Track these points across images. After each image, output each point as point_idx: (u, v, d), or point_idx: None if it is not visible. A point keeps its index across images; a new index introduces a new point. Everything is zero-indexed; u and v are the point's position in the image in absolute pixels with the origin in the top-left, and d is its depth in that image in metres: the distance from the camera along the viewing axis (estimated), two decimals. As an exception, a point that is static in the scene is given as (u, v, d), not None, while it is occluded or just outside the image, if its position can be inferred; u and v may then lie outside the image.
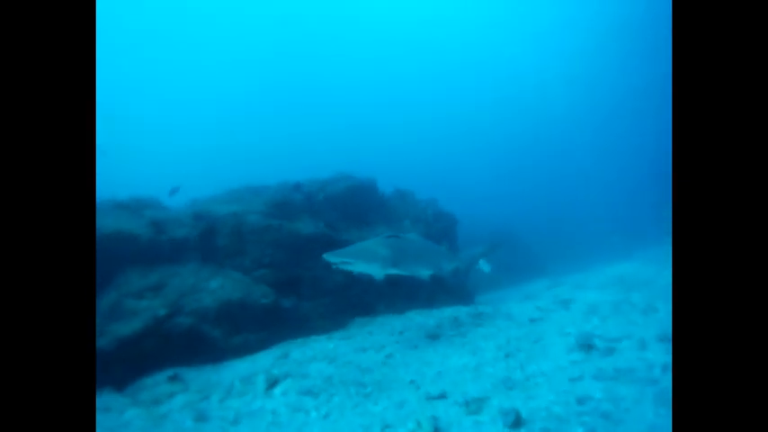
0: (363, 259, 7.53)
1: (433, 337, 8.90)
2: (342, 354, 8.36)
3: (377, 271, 7.92)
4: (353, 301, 10.16)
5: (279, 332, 8.92)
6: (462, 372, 7.02)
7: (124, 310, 8.30)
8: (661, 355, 6.32)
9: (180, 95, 65.45)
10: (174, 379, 7.74)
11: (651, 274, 12.74)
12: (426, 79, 64.09)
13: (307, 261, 10.09)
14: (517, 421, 5.10)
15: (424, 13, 57.33)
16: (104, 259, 8.88)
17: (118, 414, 6.91)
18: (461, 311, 10.67)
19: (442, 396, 6.09)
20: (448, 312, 10.65)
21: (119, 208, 10.19)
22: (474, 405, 5.68)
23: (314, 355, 8.39)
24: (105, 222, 9.22)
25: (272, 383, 7.34)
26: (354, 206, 12.63)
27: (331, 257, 7.13)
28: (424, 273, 8.67)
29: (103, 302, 8.50)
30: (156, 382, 7.72)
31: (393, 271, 7.89)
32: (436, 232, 13.06)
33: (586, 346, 7.09)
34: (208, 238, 9.99)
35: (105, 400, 7.44)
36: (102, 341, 7.99)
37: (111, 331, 8.03)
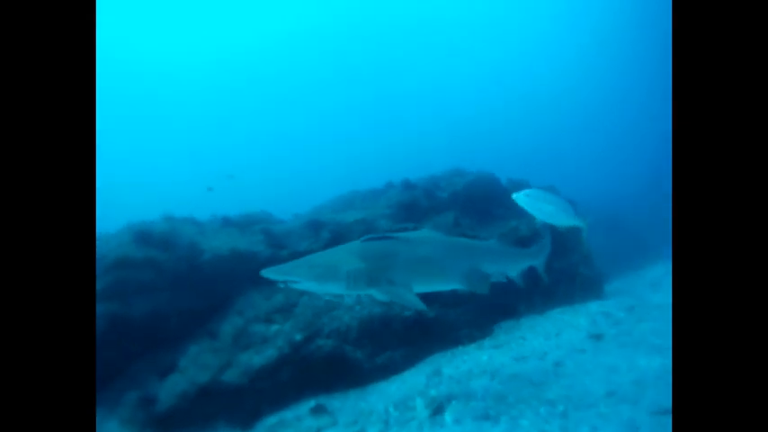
0: (316, 278, 5.26)
1: (597, 337, 7.76)
2: (500, 365, 7.24)
3: (343, 292, 5.61)
4: (494, 304, 8.97)
5: (424, 346, 7.77)
6: (666, 376, 5.81)
7: (252, 337, 7.35)
8: None
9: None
10: (318, 411, 6.74)
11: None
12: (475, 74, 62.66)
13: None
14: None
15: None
16: (221, 281, 8.00)
17: (259, 457, 5.99)
18: (608, 306, 9.53)
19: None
20: (594, 308, 9.49)
21: (227, 225, 9.37)
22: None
23: (469, 369, 7.27)
24: (216, 243, 8.40)
25: (437, 408, 6.23)
26: (480, 201, 11.35)
27: (272, 274, 5.10)
28: (439, 288, 6.30)
29: (226, 329, 7.58)
30: (298, 417, 6.75)
31: (370, 292, 5.58)
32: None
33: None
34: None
35: (241, 441, 6.54)
36: (231, 374, 7.06)
37: (241, 362, 7.10)
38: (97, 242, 9.22)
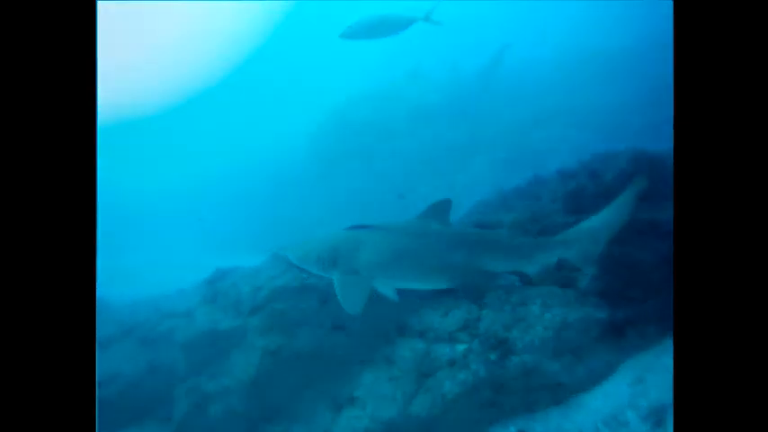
0: (298, 258, 6.38)
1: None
2: (709, 366, 6.49)
3: (320, 273, 6.41)
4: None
5: (616, 351, 7.09)
6: None
7: (437, 361, 6.85)
8: None
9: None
10: (521, 437, 6.21)
11: None
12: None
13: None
14: None
15: None
16: (390, 302, 7.61)
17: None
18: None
19: None
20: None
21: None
22: None
23: (674, 373, 6.56)
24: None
25: (657, 421, 5.63)
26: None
27: (281, 251, 6.69)
28: (421, 285, 6.36)
29: (404, 354, 7.13)
30: (499, 448, 6.24)
31: (331, 275, 6.16)
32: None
33: None
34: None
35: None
36: (419, 405, 6.62)
37: (430, 389, 6.65)
38: (249, 274, 9.06)
